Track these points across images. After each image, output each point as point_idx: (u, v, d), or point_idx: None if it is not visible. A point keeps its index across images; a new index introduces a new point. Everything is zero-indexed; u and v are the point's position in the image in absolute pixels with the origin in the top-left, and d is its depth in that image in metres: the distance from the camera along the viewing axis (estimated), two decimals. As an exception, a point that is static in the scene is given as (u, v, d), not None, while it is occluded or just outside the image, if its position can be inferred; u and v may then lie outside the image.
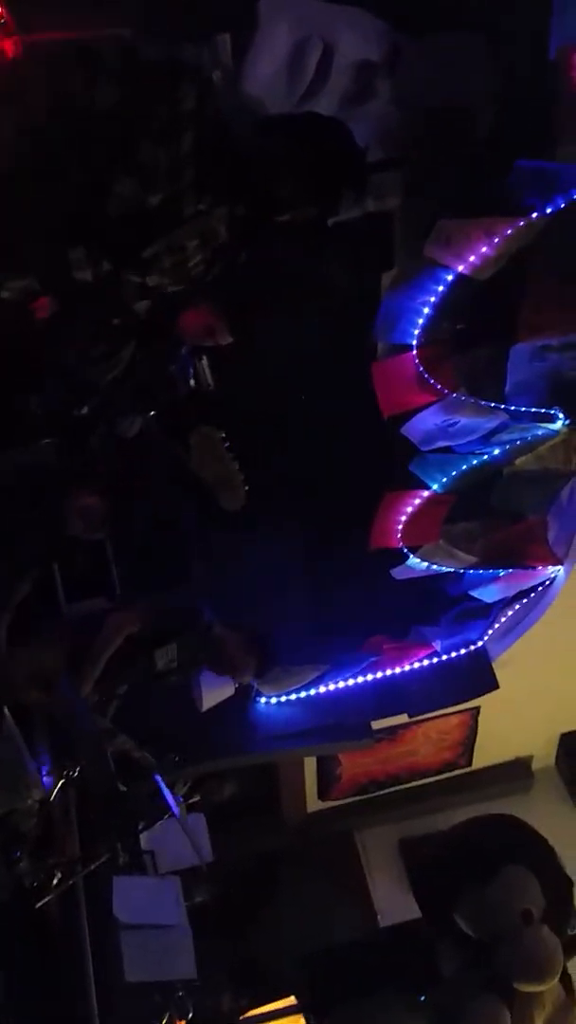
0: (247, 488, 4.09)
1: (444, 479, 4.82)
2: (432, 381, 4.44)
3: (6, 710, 3.29)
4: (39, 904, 3.42)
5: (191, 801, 4.47)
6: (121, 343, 3.41)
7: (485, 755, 5.87)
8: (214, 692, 4.61)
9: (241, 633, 4.29)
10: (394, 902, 5.59)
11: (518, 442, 4.57)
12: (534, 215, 3.63)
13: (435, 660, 5.15)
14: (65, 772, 3.53)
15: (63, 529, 3.86)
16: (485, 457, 4.73)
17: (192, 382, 4.12)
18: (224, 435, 4.03)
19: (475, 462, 4.76)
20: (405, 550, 5.03)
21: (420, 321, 4.27)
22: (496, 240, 3.78)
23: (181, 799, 4.12)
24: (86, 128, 2.54)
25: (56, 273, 2.77)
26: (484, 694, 5.18)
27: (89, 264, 2.75)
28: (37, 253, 2.71)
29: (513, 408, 4.22)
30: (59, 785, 3.49)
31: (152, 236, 2.74)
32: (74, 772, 3.54)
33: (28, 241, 2.66)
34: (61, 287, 2.83)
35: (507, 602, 5.05)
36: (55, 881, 3.45)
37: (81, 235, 2.69)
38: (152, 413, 3.96)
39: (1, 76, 2.74)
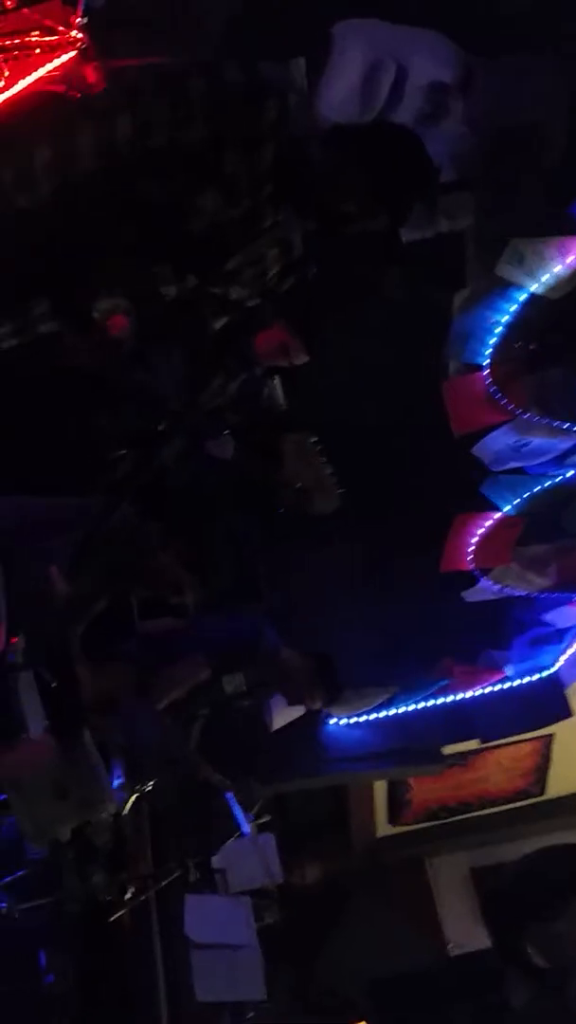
0: (340, 491, 4.07)
1: (516, 500, 4.77)
2: (503, 401, 4.41)
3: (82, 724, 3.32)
4: (112, 918, 3.44)
5: (262, 821, 4.46)
6: (203, 364, 3.45)
7: (559, 784, 5.75)
8: (284, 712, 4.60)
9: (308, 660, 4.25)
10: (465, 931, 5.50)
11: (592, 464, 4.52)
12: (609, 234, 3.61)
13: (507, 685, 5.08)
14: (138, 787, 3.55)
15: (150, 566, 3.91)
16: (558, 479, 4.68)
17: (265, 402, 4.15)
18: (315, 439, 4.03)
19: (547, 483, 4.71)
20: (476, 572, 4.99)
21: (492, 340, 4.25)
22: (570, 259, 3.77)
23: (252, 818, 4.12)
24: (169, 146, 2.59)
25: (143, 290, 2.81)
26: (557, 722, 5.09)
27: (175, 279, 2.80)
28: (125, 271, 2.75)
29: (586, 429, 4.18)
30: (132, 800, 3.52)
31: (232, 249, 2.78)
32: (147, 787, 3.56)
33: (114, 260, 2.71)
34: (149, 303, 2.87)
35: (581, 627, 4.98)
36: (127, 896, 3.47)
37: (166, 251, 2.73)
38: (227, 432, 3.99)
39: (83, 100, 2.82)
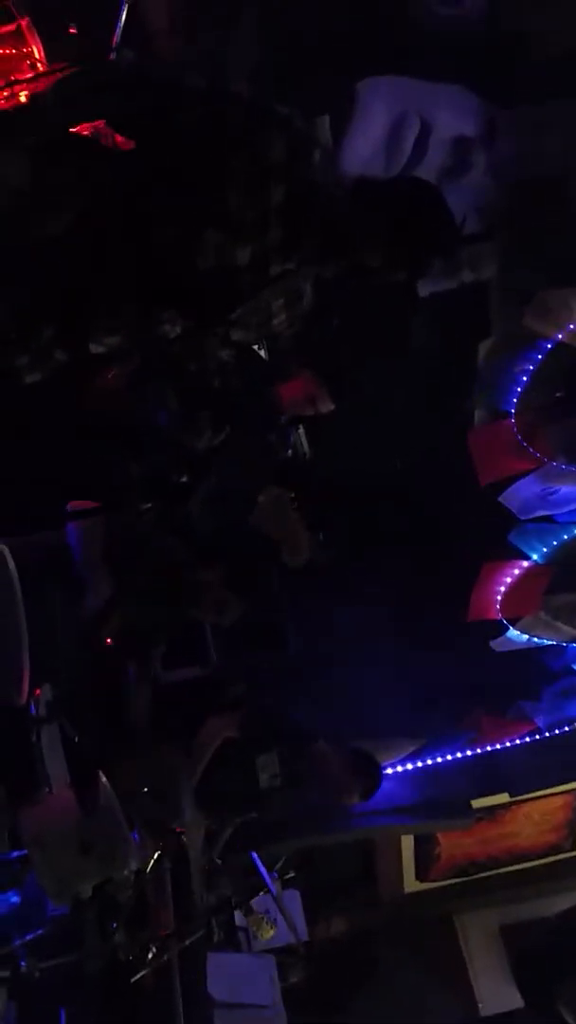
0: (329, 548, 4.03)
1: (544, 549, 4.74)
2: (530, 449, 4.40)
3: (104, 779, 3.29)
4: (134, 978, 3.38)
5: (286, 877, 4.38)
6: (219, 410, 3.45)
7: (591, 838, 5.63)
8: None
9: (346, 753, 4.14)
10: (496, 990, 5.37)
11: (621, 512, 4.48)
12: None
13: (537, 737, 5.00)
14: (160, 844, 3.51)
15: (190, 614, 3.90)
16: (587, 527, 4.65)
17: (289, 451, 4.15)
18: (293, 496, 4.00)
19: (576, 531, 4.68)
20: (504, 622, 4.94)
21: (518, 389, 4.25)
22: (596, 307, 3.77)
23: (277, 875, 4.05)
24: (174, 176, 2.59)
25: (144, 331, 2.82)
26: (590, 774, 5.00)
27: (177, 321, 2.80)
28: (127, 310, 2.76)
29: (614, 477, 4.15)
30: (155, 857, 3.47)
31: (240, 294, 2.78)
32: (169, 845, 3.52)
33: (119, 298, 2.72)
34: (148, 345, 2.88)
35: (613, 677, 4.90)
36: (150, 955, 3.40)
37: (170, 292, 2.74)
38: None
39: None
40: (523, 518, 4.65)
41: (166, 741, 3.74)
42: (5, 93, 3.52)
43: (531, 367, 4.18)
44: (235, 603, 3.81)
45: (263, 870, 3.85)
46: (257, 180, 2.54)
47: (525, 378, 4.22)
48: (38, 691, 3.27)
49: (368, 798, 4.02)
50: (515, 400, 4.29)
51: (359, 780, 3.99)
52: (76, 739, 3.28)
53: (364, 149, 3.79)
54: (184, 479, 3.56)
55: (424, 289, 4.02)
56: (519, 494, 4.53)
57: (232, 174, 2.52)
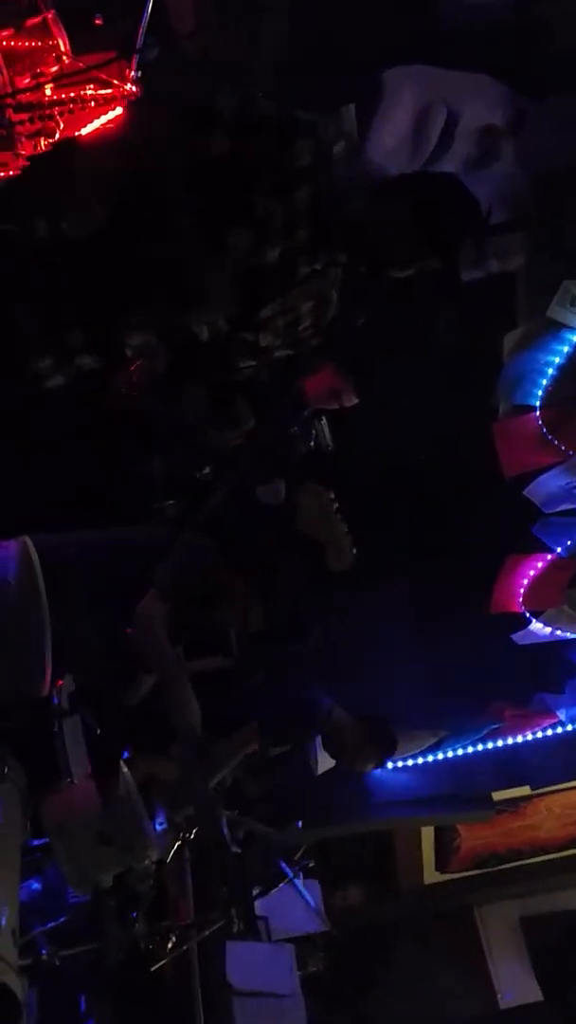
0: (355, 550, 4.01)
1: (569, 542, 4.70)
2: (556, 442, 4.36)
3: (125, 769, 3.32)
4: (154, 968, 3.41)
5: (307, 866, 4.40)
6: (241, 404, 3.45)
7: (613, 831, 5.61)
8: (328, 757, 4.56)
9: (360, 721, 4.17)
10: (515, 982, 5.37)
11: None
12: None
13: (559, 730, 4.98)
14: (181, 834, 3.53)
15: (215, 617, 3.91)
16: (612, 520, 4.61)
17: (312, 443, 4.14)
18: (333, 495, 3.98)
19: (601, 525, 4.63)
20: (527, 615, 4.92)
21: (544, 382, 4.22)
22: (624, 300, 3.72)
23: (297, 866, 4.07)
24: (202, 180, 2.59)
25: (175, 329, 2.82)
26: (612, 767, 4.97)
27: (207, 322, 2.80)
28: (156, 310, 2.76)
29: None
30: (175, 847, 3.49)
31: (268, 295, 2.77)
32: (189, 834, 3.54)
33: (147, 297, 2.72)
34: (178, 344, 2.88)
35: None
36: (170, 944, 3.44)
37: (200, 293, 2.74)
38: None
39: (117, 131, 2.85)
40: (548, 511, 4.62)
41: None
42: (29, 82, 3.52)
43: (557, 359, 4.14)
44: (258, 611, 3.82)
45: (282, 860, 3.87)
46: (283, 187, 2.54)
47: (551, 370, 4.18)
48: (60, 682, 3.29)
49: (383, 764, 4.06)
50: (540, 393, 4.26)
51: (375, 747, 4.03)
52: (97, 731, 3.30)
53: (390, 139, 3.76)
54: (207, 473, 3.58)
55: (459, 273, 3.97)
56: (544, 488, 4.49)
57: (261, 183, 2.52)
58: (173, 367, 3.09)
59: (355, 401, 3.93)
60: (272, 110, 2.66)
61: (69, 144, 2.86)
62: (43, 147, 3.51)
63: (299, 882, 3.89)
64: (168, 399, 3.28)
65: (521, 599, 4.88)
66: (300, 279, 2.73)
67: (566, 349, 4.08)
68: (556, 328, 4.04)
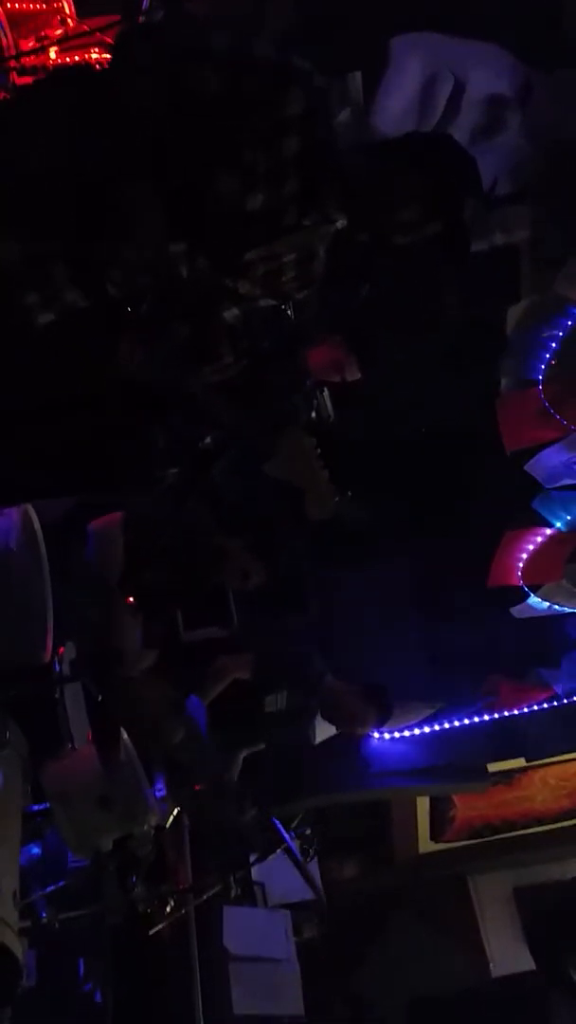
0: (338, 499, 3.96)
1: (568, 517, 4.71)
2: (558, 417, 4.35)
3: (124, 734, 3.33)
4: (152, 931, 3.45)
5: (303, 833, 4.43)
6: (219, 339, 3.40)
7: (606, 803, 5.65)
8: (327, 724, 4.58)
9: (355, 687, 4.20)
10: (507, 951, 5.44)
11: None
12: None
13: (555, 704, 5.00)
14: (180, 800, 3.55)
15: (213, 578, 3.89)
16: (613, 495, 4.61)
17: (313, 414, 4.13)
18: (316, 443, 3.91)
19: (602, 500, 4.64)
20: (525, 589, 4.93)
21: (547, 356, 4.20)
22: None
23: (294, 833, 4.10)
24: (186, 117, 2.56)
25: (156, 263, 2.79)
26: (606, 740, 5.01)
27: (186, 260, 2.78)
28: (140, 242, 2.74)
29: None
30: (174, 812, 3.52)
31: (251, 242, 2.75)
32: (188, 800, 3.57)
33: (131, 230, 2.70)
34: (160, 279, 2.85)
35: (633, 645, 4.89)
36: (168, 909, 3.47)
37: (182, 230, 2.71)
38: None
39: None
40: (548, 486, 4.62)
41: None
42: (33, 44, 3.48)
43: (561, 334, 4.12)
44: (259, 568, 3.81)
45: (280, 826, 3.89)
46: (272, 133, 2.51)
47: (554, 345, 4.16)
48: (62, 649, 3.30)
49: (382, 725, 4.08)
50: (543, 367, 4.24)
51: (372, 708, 4.06)
52: (98, 697, 3.31)
53: (396, 106, 3.72)
54: (208, 442, 3.56)
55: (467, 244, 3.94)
56: (545, 462, 4.49)
57: (247, 127, 2.49)
58: (156, 305, 3.05)
59: (358, 375, 3.91)
60: (269, 54, 2.61)
61: (54, 74, 2.81)
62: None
63: (294, 845, 3.92)
64: (152, 340, 3.24)
65: (520, 573, 4.89)
66: (285, 230, 2.70)
67: (571, 323, 4.06)
68: (561, 302, 4.02)
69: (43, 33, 3.40)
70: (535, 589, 4.89)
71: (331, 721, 4.16)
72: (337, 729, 4.27)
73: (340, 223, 2.82)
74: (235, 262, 2.81)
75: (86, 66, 2.74)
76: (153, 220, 2.67)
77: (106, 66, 2.84)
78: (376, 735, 4.92)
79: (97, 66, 2.83)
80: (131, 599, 3.87)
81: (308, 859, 3.97)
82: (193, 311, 3.05)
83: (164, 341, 3.12)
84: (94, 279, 2.80)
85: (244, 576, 3.82)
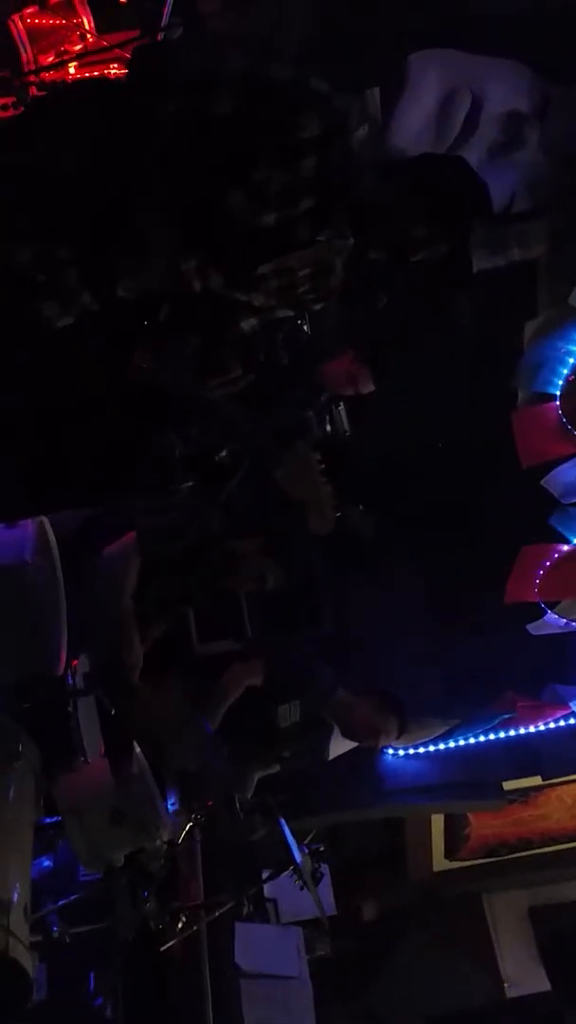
0: (339, 514, 3.95)
1: (587, 533, 4.69)
2: (575, 432, 4.34)
3: (137, 748, 3.32)
4: (163, 947, 3.42)
5: (317, 850, 4.40)
6: (229, 354, 3.42)
7: (623, 823, 5.59)
8: (340, 742, 4.56)
9: (371, 697, 4.17)
10: (523, 971, 5.37)
11: None
12: None
13: (571, 721, 4.96)
14: (192, 815, 3.54)
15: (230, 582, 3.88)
16: (631, 512, 4.58)
17: (328, 427, 4.13)
18: (320, 458, 3.90)
19: (619, 516, 4.61)
20: (542, 605, 4.90)
21: (564, 371, 4.19)
22: None
23: (306, 849, 4.06)
24: (200, 135, 2.58)
25: (167, 276, 2.81)
26: (623, 759, 4.95)
27: (199, 275, 2.79)
28: (156, 258, 2.76)
29: None
30: (187, 827, 3.50)
31: (260, 257, 2.76)
32: (201, 815, 3.55)
33: (147, 249, 2.72)
34: (172, 292, 2.87)
35: None
36: (179, 925, 3.45)
37: (196, 246, 2.73)
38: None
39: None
40: (566, 502, 4.60)
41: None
42: (52, 60, 3.50)
43: (578, 349, 4.11)
44: (275, 569, 3.79)
45: (292, 842, 3.87)
46: (287, 155, 2.52)
47: (572, 359, 4.15)
48: (75, 662, 3.30)
49: (403, 731, 4.04)
50: (561, 382, 4.23)
51: (391, 716, 4.02)
52: (111, 710, 3.31)
53: (414, 123, 3.73)
54: (224, 455, 3.57)
55: (472, 268, 3.95)
56: (562, 477, 4.47)
57: (260, 148, 2.51)
58: (170, 317, 3.07)
59: (372, 388, 3.92)
60: (286, 77, 2.63)
61: (72, 87, 2.85)
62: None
63: (308, 864, 3.89)
64: (164, 350, 3.25)
65: (536, 589, 4.87)
66: (298, 246, 2.71)
67: (587, 338, 4.05)
68: (577, 316, 4.01)
69: (62, 48, 3.43)
70: (552, 605, 4.86)
71: (352, 737, 4.13)
72: (359, 743, 4.24)
73: (352, 240, 2.84)
74: (247, 276, 2.83)
75: (103, 80, 2.77)
76: (162, 232, 2.69)
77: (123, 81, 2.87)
78: (391, 751, 4.89)
79: (115, 81, 2.85)
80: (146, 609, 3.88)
81: (319, 877, 3.93)
82: (206, 323, 3.07)
83: (174, 351, 3.14)
84: (105, 285, 2.83)
85: (260, 578, 3.80)
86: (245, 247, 2.75)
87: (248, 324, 3.17)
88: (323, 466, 3.85)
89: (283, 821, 3.77)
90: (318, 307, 3.24)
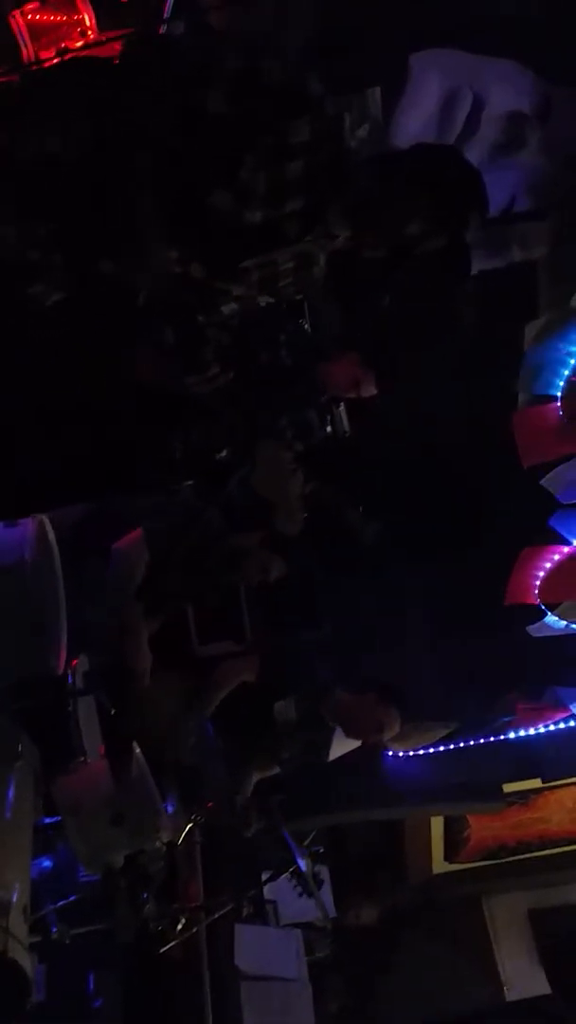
0: (306, 515, 3.91)
1: (587, 534, 4.68)
2: (576, 432, 4.34)
3: (137, 748, 3.31)
4: (163, 949, 3.41)
5: (316, 852, 4.39)
6: (209, 351, 3.39)
7: (623, 826, 5.59)
8: (341, 742, 4.55)
9: (367, 690, 4.16)
10: (522, 974, 5.37)
11: None
12: None
13: (572, 724, 4.96)
14: (192, 816, 3.53)
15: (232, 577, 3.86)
16: (631, 512, 4.58)
17: (328, 428, 4.12)
18: (294, 457, 3.83)
19: (620, 517, 4.60)
20: (542, 607, 4.89)
21: (565, 372, 4.19)
22: None
23: (306, 851, 4.05)
24: (190, 132, 2.57)
25: (148, 262, 2.81)
26: (624, 761, 4.95)
27: (180, 263, 2.78)
28: (133, 241, 2.75)
29: None
30: (186, 829, 3.49)
31: (248, 253, 2.75)
32: (200, 817, 3.54)
33: (131, 236, 2.72)
34: (152, 277, 2.86)
35: None
36: (179, 927, 3.43)
37: (180, 239, 2.73)
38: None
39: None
40: (566, 502, 4.59)
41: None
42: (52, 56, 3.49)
43: (579, 349, 4.11)
44: (278, 561, 3.75)
45: (292, 844, 3.85)
46: (275, 157, 2.52)
47: (573, 360, 4.15)
48: (75, 662, 3.28)
49: (407, 722, 4.03)
50: (562, 383, 4.23)
51: (392, 708, 3.99)
52: (111, 711, 3.30)
53: (415, 123, 3.73)
54: (224, 455, 3.56)
55: (472, 268, 3.95)
56: (563, 478, 4.47)
57: (249, 148, 2.50)
58: (149, 302, 3.05)
59: (374, 391, 3.91)
60: (282, 80, 2.62)
61: (66, 64, 2.84)
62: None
63: (309, 866, 3.87)
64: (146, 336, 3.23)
65: (537, 591, 4.86)
66: (285, 243, 2.71)
67: (588, 339, 4.05)
68: (578, 317, 4.01)
69: (63, 45, 3.43)
70: (552, 607, 4.85)
71: (355, 735, 4.11)
72: (361, 742, 4.22)
73: (343, 237, 2.83)
74: (230, 269, 2.83)
75: (96, 61, 2.76)
76: (146, 219, 2.69)
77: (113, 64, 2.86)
78: (391, 753, 4.88)
79: (104, 61, 2.84)
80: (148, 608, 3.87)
81: (319, 882, 3.92)
82: (183, 314, 3.06)
83: (158, 344, 3.14)
84: (87, 265, 2.82)
85: (263, 570, 3.77)
86: (230, 242, 2.74)
87: (229, 308, 3.14)
88: (294, 467, 3.79)
89: (283, 825, 3.77)
90: (298, 297, 3.22)
